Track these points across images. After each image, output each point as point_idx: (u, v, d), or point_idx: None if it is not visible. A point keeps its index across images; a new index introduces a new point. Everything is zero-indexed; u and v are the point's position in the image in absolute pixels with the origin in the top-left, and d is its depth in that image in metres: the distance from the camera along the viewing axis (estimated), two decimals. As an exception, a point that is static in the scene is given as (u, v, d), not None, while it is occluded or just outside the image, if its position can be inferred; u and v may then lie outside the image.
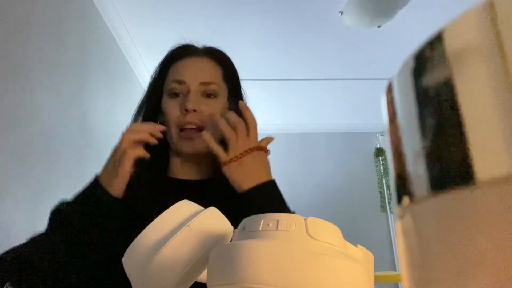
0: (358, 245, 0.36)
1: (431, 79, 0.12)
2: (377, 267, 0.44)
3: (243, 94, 0.86)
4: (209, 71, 0.79)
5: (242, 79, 0.87)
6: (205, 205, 0.42)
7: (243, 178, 0.67)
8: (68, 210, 0.65)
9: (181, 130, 0.75)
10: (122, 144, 0.66)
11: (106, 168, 0.68)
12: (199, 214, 0.38)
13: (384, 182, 3.25)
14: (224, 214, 0.41)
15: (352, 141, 3.41)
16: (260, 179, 0.67)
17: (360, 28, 2.11)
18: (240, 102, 0.73)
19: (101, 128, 1.90)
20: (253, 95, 0.95)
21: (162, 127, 0.71)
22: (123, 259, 0.38)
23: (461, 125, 0.11)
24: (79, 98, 1.72)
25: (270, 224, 0.29)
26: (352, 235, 0.54)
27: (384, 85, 0.15)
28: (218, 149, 0.70)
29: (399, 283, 1.79)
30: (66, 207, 0.66)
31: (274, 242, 0.27)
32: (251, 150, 0.68)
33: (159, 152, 0.80)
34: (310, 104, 3.09)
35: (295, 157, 3.32)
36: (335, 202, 3.15)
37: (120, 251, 0.39)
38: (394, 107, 0.14)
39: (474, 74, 0.11)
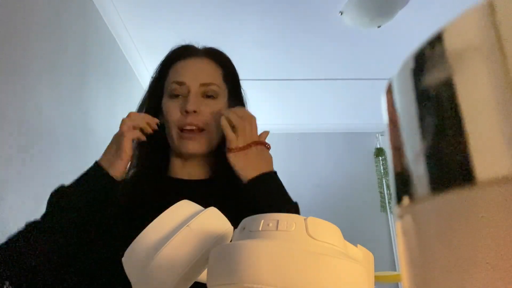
0: (358, 245, 0.36)
1: (431, 79, 0.12)
2: (377, 267, 0.44)
3: (243, 94, 0.86)
4: (209, 72, 0.79)
5: (242, 79, 0.87)
6: (205, 205, 0.42)
7: (248, 167, 0.70)
8: (67, 190, 0.67)
9: (182, 130, 0.76)
10: (122, 127, 0.71)
11: (106, 152, 0.71)
12: (199, 214, 0.38)
13: (384, 182, 3.25)
14: (224, 214, 0.41)
15: (352, 141, 3.42)
16: (264, 170, 0.70)
17: (360, 28, 2.11)
18: (236, 107, 0.76)
19: (101, 128, 1.90)
20: (253, 95, 0.95)
21: (157, 120, 0.75)
22: (123, 259, 0.38)
23: (461, 125, 0.11)
24: (79, 98, 1.72)
25: (270, 224, 0.29)
26: (352, 235, 0.54)
27: (384, 85, 0.15)
28: (232, 135, 0.72)
29: (399, 283, 1.79)
30: (65, 188, 0.68)
31: (274, 242, 0.27)
32: (255, 143, 0.72)
33: (159, 152, 0.80)
34: (310, 104, 3.09)
35: (295, 157, 3.32)
36: (335, 202, 3.15)
37: (120, 251, 0.39)
38: (394, 107, 0.14)
39: (474, 74, 0.11)
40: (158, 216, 0.38)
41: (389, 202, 3.16)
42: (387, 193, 3.21)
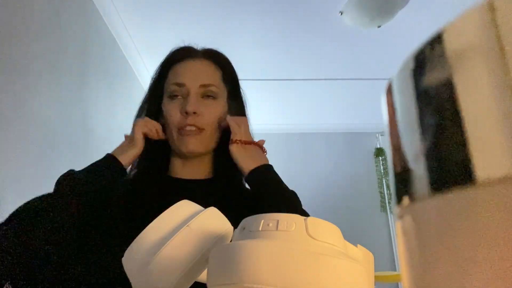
0: (358, 245, 0.36)
1: (431, 79, 0.12)
2: (377, 267, 0.44)
3: (243, 95, 0.86)
4: (208, 73, 0.80)
5: (242, 79, 0.87)
6: (205, 205, 0.42)
7: (248, 159, 0.75)
8: (77, 172, 0.70)
9: (182, 130, 0.76)
10: (135, 123, 0.77)
11: (118, 146, 0.77)
12: (199, 214, 0.38)
13: (384, 182, 3.25)
14: (224, 214, 0.41)
15: (352, 141, 3.42)
16: (262, 163, 0.75)
17: (360, 28, 2.11)
18: (228, 116, 0.81)
19: (101, 128, 1.90)
20: (253, 95, 0.95)
21: (163, 135, 0.79)
22: (123, 259, 0.38)
23: (461, 125, 0.11)
24: (79, 98, 1.72)
25: (270, 224, 0.29)
26: (352, 235, 0.54)
27: (384, 85, 0.15)
28: (237, 128, 0.77)
29: (399, 283, 1.79)
30: (74, 172, 0.70)
31: (274, 242, 0.27)
32: (255, 143, 0.78)
33: (160, 152, 0.81)
34: (310, 104, 3.09)
35: (295, 157, 3.32)
36: (335, 202, 3.15)
37: (120, 251, 0.39)
38: (394, 107, 0.14)
39: (474, 74, 0.11)
40: (158, 216, 0.38)
41: (389, 202, 3.16)
42: (387, 193, 3.21)
